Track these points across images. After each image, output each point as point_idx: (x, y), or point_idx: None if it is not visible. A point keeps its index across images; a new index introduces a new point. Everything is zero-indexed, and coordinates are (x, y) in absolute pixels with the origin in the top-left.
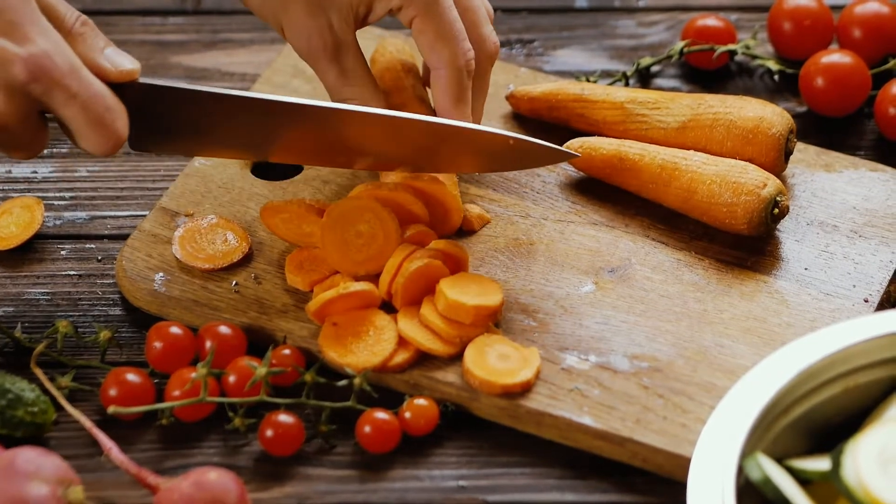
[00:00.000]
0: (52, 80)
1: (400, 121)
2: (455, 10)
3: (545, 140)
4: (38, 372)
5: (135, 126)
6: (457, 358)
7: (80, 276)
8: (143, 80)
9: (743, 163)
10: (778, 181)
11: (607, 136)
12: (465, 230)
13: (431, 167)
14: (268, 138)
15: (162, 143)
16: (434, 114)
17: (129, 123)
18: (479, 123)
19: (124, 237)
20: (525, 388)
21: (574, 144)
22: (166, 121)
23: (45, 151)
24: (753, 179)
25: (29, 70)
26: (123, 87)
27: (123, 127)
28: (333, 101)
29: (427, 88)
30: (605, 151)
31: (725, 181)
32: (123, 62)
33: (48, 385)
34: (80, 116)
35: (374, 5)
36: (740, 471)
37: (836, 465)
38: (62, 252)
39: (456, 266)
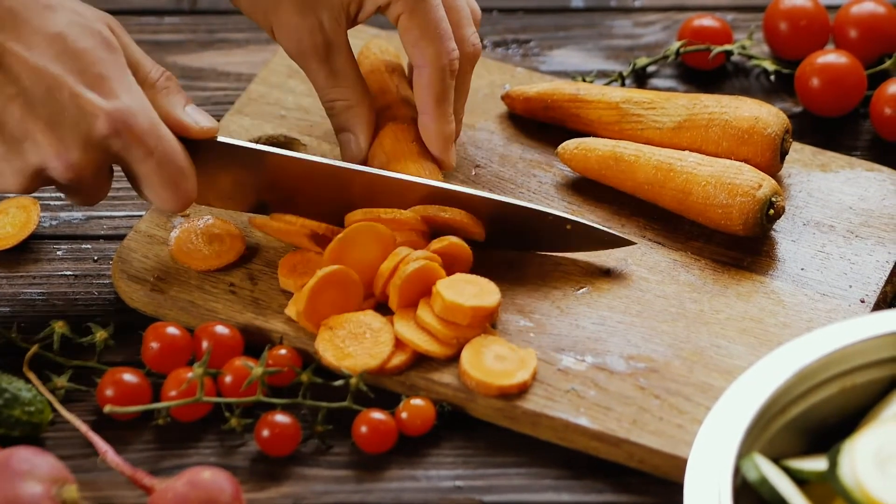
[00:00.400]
0: (132, 137)
1: (454, 194)
2: (442, 9)
3: (540, 141)
4: (31, 375)
5: (201, 180)
6: (453, 359)
7: (76, 276)
8: (220, 138)
9: (738, 163)
10: (773, 182)
11: (603, 136)
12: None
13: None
14: (340, 204)
15: (227, 200)
16: (416, 113)
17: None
18: (460, 124)
19: (120, 237)
20: (521, 390)
21: (569, 145)
22: (233, 179)
23: None
24: (749, 180)
25: (111, 125)
26: (196, 144)
27: (194, 187)
28: (322, 101)
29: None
30: (600, 152)
31: (720, 182)
32: (204, 121)
33: (41, 388)
34: (155, 174)
35: (364, 3)
36: (737, 471)
37: (833, 465)
38: (58, 252)
39: (459, 264)
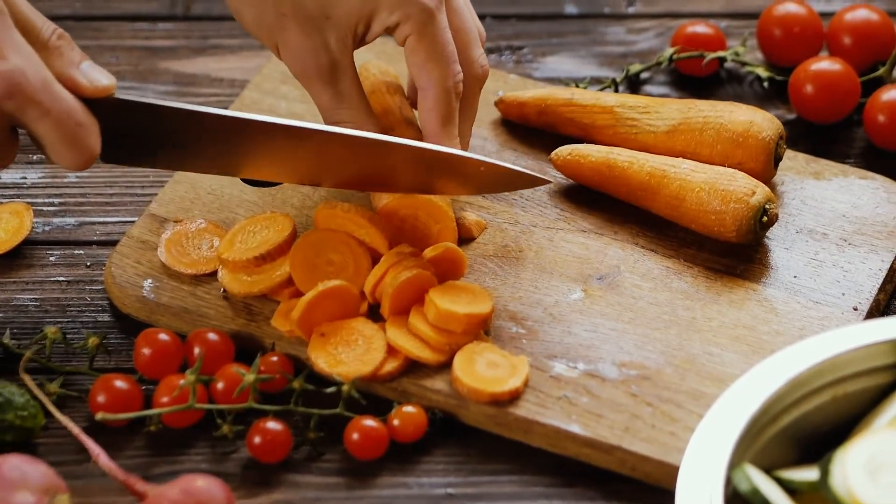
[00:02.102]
0: (24, 97)
1: (373, 142)
2: (449, 32)
3: (533, 148)
4: (27, 378)
5: (107, 140)
6: (445, 365)
7: (68, 282)
8: (118, 95)
9: (732, 170)
10: (767, 189)
11: (597, 140)
12: (464, 238)
13: (409, 189)
14: (241, 156)
15: (134, 157)
16: (421, 135)
17: (102, 137)
18: (466, 146)
19: (113, 243)
20: (513, 396)
21: (563, 152)
22: (140, 136)
23: (34, 157)
24: (742, 187)
25: (1, 86)
26: (97, 102)
27: (96, 143)
28: (326, 123)
29: (415, 110)
30: (593, 158)
31: (714, 189)
32: (99, 78)
33: (36, 391)
34: (53, 133)
35: (372, 23)
36: (728, 480)
37: (825, 474)
38: (51, 258)
39: (452, 270)
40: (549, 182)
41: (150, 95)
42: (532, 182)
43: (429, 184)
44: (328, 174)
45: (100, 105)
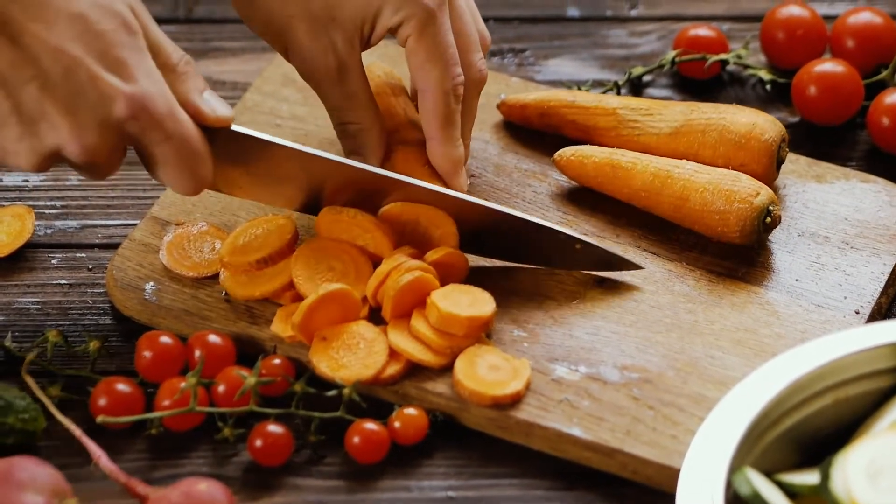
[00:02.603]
0: (149, 121)
1: (459, 202)
2: (450, 34)
3: (535, 150)
4: (29, 380)
5: (217, 168)
6: (447, 368)
7: (70, 285)
8: (234, 127)
9: (735, 172)
10: (770, 191)
11: (600, 142)
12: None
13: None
14: (320, 191)
15: (239, 188)
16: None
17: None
18: (467, 149)
19: (115, 246)
20: (515, 400)
21: (566, 153)
22: (246, 168)
23: None
24: (746, 188)
25: (129, 108)
26: (212, 131)
27: (209, 172)
28: (334, 123)
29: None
30: (597, 159)
31: (718, 189)
32: (221, 108)
33: (39, 393)
34: (171, 157)
35: (376, 24)
36: (729, 484)
37: (825, 477)
38: (53, 261)
39: (454, 273)
40: (641, 268)
41: None
42: (624, 265)
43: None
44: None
45: (214, 134)
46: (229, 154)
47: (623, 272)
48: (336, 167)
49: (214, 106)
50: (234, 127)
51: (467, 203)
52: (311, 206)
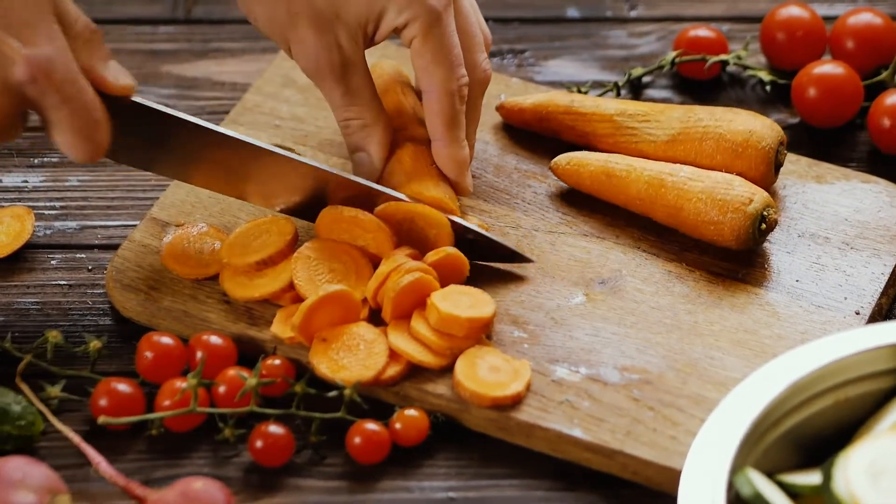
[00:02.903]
0: (49, 85)
1: (356, 185)
2: (455, 35)
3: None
4: (25, 387)
5: (116, 138)
6: (447, 369)
7: (70, 286)
8: (134, 98)
9: (729, 177)
10: (765, 194)
11: (598, 147)
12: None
13: None
14: (240, 178)
15: (138, 160)
16: None
17: (112, 135)
18: (472, 150)
19: (115, 247)
20: (515, 401)
21: (562, 160)
22: (147, 141)
23: (36, 161)
24: (740, 195)
25: (30, 71)
26: (113, 101)
27: (106, 139)
28: (338, 120)
29: None
30: (592, 167)
31: (711, 198)
32: (123, 77)
33: (34, 400)
34: (67, 122)
35: (381, 23)
36: (730, 485)
37: (827, 478)
38: (52, 262)
39: (454, 274)
40: (531, 261)
41: (153, 99)
42: (516, 258)
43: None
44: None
45: (117, 104)
46: (136, 127)
47: (622, 273)
48: (226, 141)
49: (117, 74)
50: (137, 99)
51: (352, 183)
52: (230, 188)
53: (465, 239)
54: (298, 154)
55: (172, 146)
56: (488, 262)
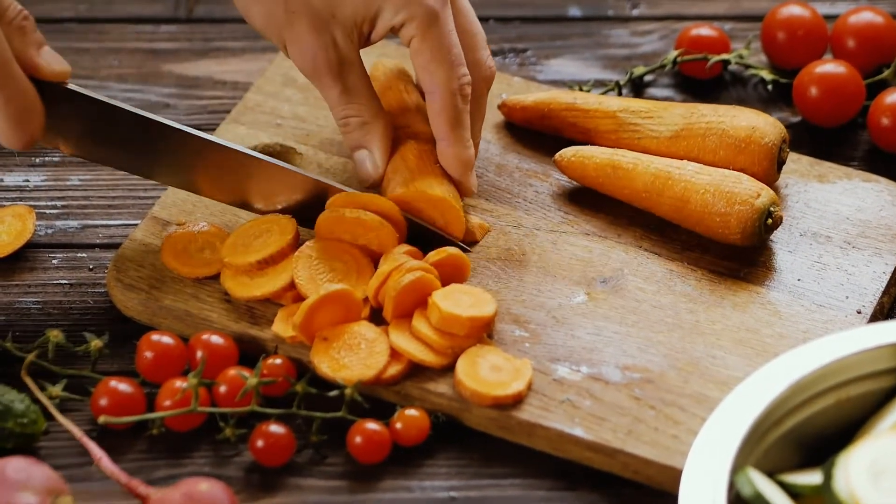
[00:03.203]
0: None
1: (283, 173)
2: (454, 34)
3: (537, 151)
4: (29, 381)
5: (52, 126)
6: (448, 369)
7: (71, 285)
8: (69, 85)
9: (736, 173)
10: (771, 192)
11: (600, 145)
12: (467, 241)
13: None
14: (188, 169)
15: (77, 148)
16: None
17: (47, 123)
18: (476, 148)
19: (116, 246)
20: (516, 400)
21: (567, 153)
22: (85, 129)
23: (37, 160)
24: (747, 189)
25: None
26: (49, 88)
27: (39, 127)
28: (336, 118)
29: None
30: (598, 160)
31: (719, 190)
32: (57, 63)
33: (39, 395)
34: (1, 110)
35: (377, 23)
36: (731, 484)
37: (828, 478)
38: (53, 261)
39: (456, 274)
40: (468, 251)
41: (153, 97)
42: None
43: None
44: (253, 198)
45: (47, 89)
46: (69, 113)
47: (624, 272)
48: (162, 129)
49: (50, 61)
50: (71, 86)
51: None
52: (174, 178)
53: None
54: (299, 155)
55: (115, 135)
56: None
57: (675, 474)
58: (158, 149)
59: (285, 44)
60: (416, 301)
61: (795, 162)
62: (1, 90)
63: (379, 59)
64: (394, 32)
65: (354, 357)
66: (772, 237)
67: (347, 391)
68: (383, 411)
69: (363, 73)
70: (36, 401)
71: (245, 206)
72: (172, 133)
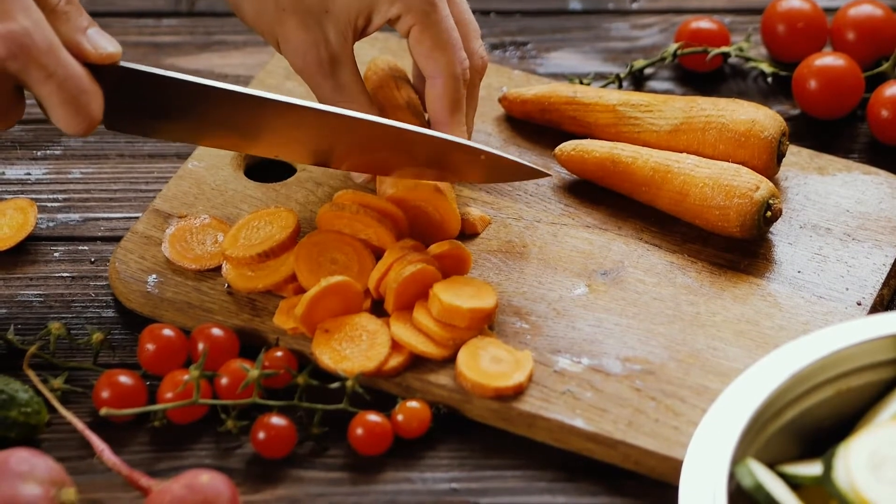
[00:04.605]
0: (29, 58)
1: (378, 126)
2: (452, 20)
3: (537, 144)
4: (31, 374)
5: (111, 107)
6: (449, 360)
7: (73, 277)
8: (122, 63)
9: (735, 165)
10: (771, 184)
11: (600, 138)
12: (468, 233)
13: (412, 175)
14: (247, 133)
15: (138, 126)
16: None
17: (106, 104)
18: (470, 136)
19: (117, 239)
20: (517, 391)
21: (567, 147)
22: (144, 106)
23: (38, 153)
24: (746, 182)
25: (7, 47)
26: (103, 69)
27: (98, 109)
28: None
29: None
30: (597, 154)
31: (718, 184)
32: (105, 45)
33: (41, 387)
34: (55, 96)
35: (372, 16)
36: (732, 475)
37: (828, 468)
38: (55, 254)
39: (457, 266)
40: (548, 175)
41: None
42: (532, 174)
43: (432, 170)
44: (334, 156)
45: (105, 72)
46: (128, 93)
47: (625, 264)
48: (226, 95)
49: (99, 43)
50: (125, 63)
51: (381, 125)
52: (234, 144)
53: (477, 161)
54: None
55: (174, 109)
56: (505, 182)
57: (675, 465)
58: (223, 116)
59: (276, 40)
60: (417, 293)
61: (795, 154)
62: (51, 78)
63: (373, 59)
64: (390, 24)
65: (356, 349)
66: (772, 229)
67: (349, 383)
68: (384, 403)
69: (354, 70)
70: (39, 392)
71: (324, 163)
72: (246, 99)
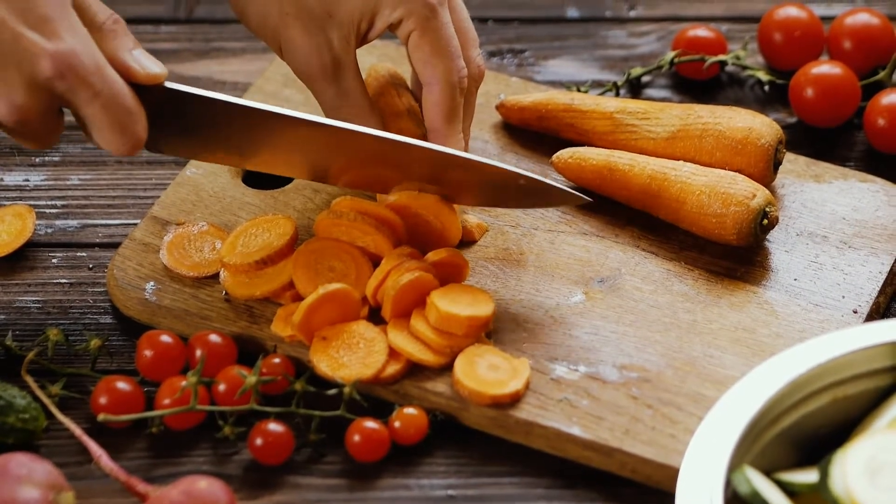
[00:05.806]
0: (76, 78)
1: (412, 148)
2: (451, 28)
3: (535, 151)
4: (29, 379)
5: (153, 128)
6: (447, 368)
7: (71, 284)
8: (167, 84)
9: (732, 173)
10: (767, 192)
11: (597, 146)
12: (466, 240)
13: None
14: (286, 154)
15: (179, 147)
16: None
17: (149, 125)
18: (466, 144)
19: (115, 246)
20: (514, 399)
21: (564, 155)
22: (187, 127)
23: (37, 159)
24: (743, 190)
25: (55, 66)
26: (145, 90)
27: (143, 130)
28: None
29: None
30: (594, 162)
31: (715, 192)
32: (152, 65)
33: (39, 393)
34: (101, 116)
35: (375, 20)
36: (728, 483)
37: (825, 476)
38: (53, 260)
39: (455, 274)
40: (589, 200)
41: None
42: (570, 199)
43: (450, 190)
44: (381, 181)
45: (149, 93)
46: (171, 114)
47: (622, 271)
48: (273, 118)
49: (144, 63)
50: (169, 84)
51: (423, 150)
52: (282, 166)
53: (517, 185)
54: None
55: (218, 130)
56: (541, 207)
57: (672, 473)
58: (269, 138)
59: (280, 46)
60: (414, 300)
61: (792, 162)
62: (97, 97)
63: (373, 66)
64: (391, 30)
65: (353, 356)
66: (768, 237)
67: (346, 390)
68: (382, 410)
69: (357, 75)
70: (37, 398)
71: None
72: (290, 122)
